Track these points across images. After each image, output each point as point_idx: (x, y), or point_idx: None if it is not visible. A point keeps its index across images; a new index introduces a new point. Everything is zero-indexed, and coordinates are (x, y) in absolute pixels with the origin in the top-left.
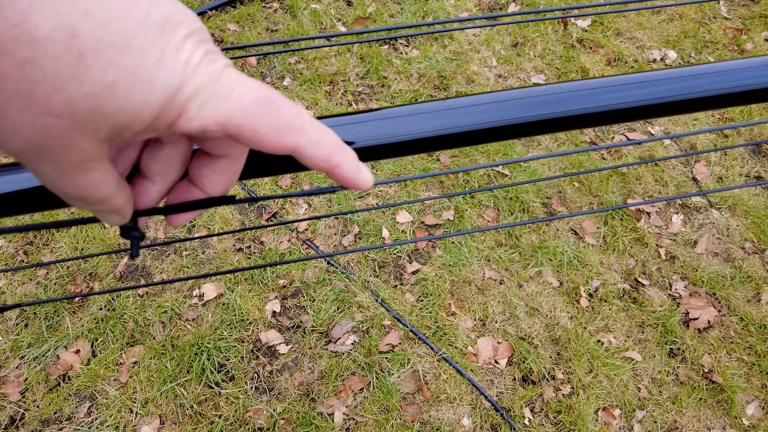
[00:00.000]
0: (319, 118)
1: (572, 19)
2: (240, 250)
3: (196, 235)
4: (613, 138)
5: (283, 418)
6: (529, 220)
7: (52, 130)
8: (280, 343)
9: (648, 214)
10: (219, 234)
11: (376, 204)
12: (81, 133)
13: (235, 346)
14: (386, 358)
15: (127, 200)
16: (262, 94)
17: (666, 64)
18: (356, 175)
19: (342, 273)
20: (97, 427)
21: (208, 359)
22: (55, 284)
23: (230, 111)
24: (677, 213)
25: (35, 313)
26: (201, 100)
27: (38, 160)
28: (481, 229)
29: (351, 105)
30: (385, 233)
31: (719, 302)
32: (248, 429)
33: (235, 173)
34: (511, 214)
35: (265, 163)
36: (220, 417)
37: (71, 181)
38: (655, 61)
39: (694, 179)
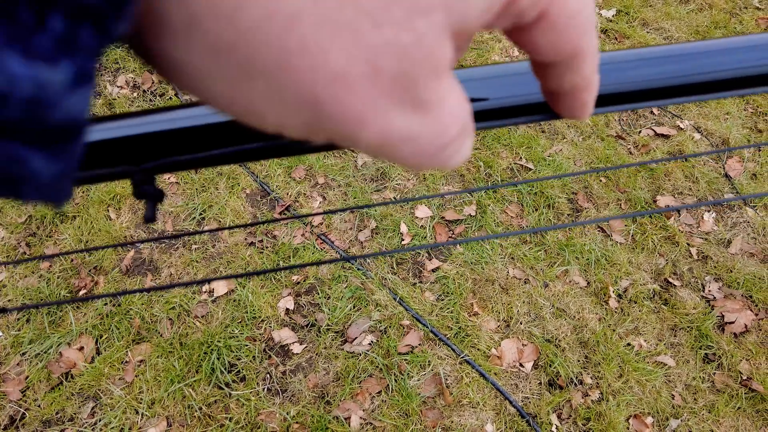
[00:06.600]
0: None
1: (596, 8)
2: (252, 244)
3: (206, 228)
4: (639, 132)
5: (297, 422)
6: (556, 225)
7: (424, 39)
8: (293, 343)
9: (678, 211)
10: (230, 228)
11: (394, 198)
12: (446, 27)
13: (247, 345)
14: (405, 359)
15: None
16: None
17: None
18: (593, 79)
19: (358, 270)
20: (101, 429)
21: (218, 358)
22: (58, 278)
23: None
24: (709, 211)
25: (37, 307)
26: None
27: (401, 102)
28: (502, 234)
29: None
30: (404, 228)
31: (756, 305)
32: None
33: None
34: (536, 209)
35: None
36: (230, 420)
37: (438, 105)
38: None
39: (726, 176)
